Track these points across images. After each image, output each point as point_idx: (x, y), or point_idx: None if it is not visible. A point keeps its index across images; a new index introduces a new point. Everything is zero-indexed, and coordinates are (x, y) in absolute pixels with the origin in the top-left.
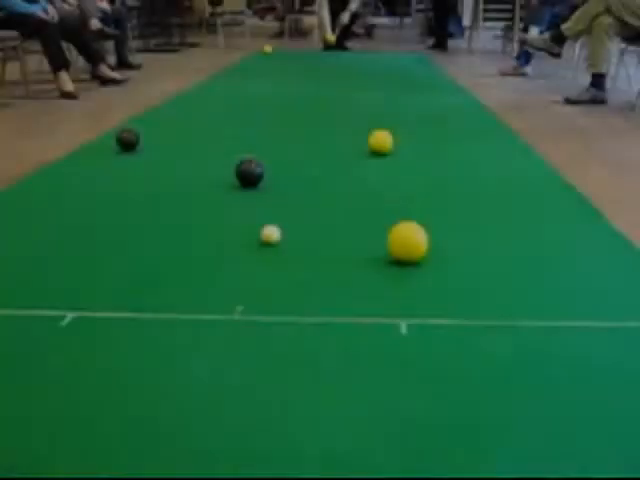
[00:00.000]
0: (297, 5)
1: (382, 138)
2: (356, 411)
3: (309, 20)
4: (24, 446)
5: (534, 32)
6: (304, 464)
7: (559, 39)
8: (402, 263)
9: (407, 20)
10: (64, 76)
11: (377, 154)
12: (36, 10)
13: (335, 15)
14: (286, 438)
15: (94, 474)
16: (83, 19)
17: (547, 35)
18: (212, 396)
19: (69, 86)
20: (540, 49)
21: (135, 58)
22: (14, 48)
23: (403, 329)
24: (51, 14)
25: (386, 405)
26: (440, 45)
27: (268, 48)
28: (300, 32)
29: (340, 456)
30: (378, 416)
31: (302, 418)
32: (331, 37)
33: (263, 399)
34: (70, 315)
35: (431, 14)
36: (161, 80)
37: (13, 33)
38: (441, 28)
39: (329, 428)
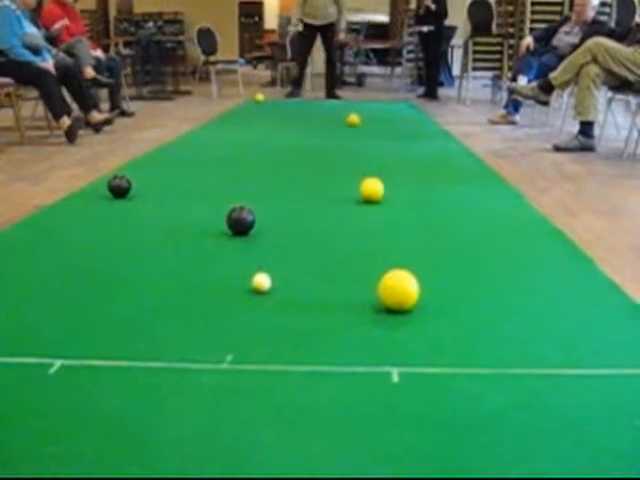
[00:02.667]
0: (289, 54)
1: (373, 185)
2: (347, 460)
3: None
4: None
5: (523, 81)
6: None
7: (547, 88)
8: (393, 311)
9: (398, 69)
10: (65, 119)
11: (368, 201)
12: (37, 60)
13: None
14: None
15: None
16: (78, 66)
17: (535, 84)
18: (201, 446)
19: (68, 123)
20: (528, 97)
21: (129, 106)
22: (8, 95)
23: (395, 377)
24: (50, 65)
25: (377, 453)
26: (430, 94)
27: (260, 96)
28: (292, 81)
29: None
30: (369, 464)
31: (292, 467)
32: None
33: (252, 449)
34: (58, 362)
35: (421, 63)
36: (154, 127)
37: (7, 80)
38: (431, 77)
39: (318, 476)
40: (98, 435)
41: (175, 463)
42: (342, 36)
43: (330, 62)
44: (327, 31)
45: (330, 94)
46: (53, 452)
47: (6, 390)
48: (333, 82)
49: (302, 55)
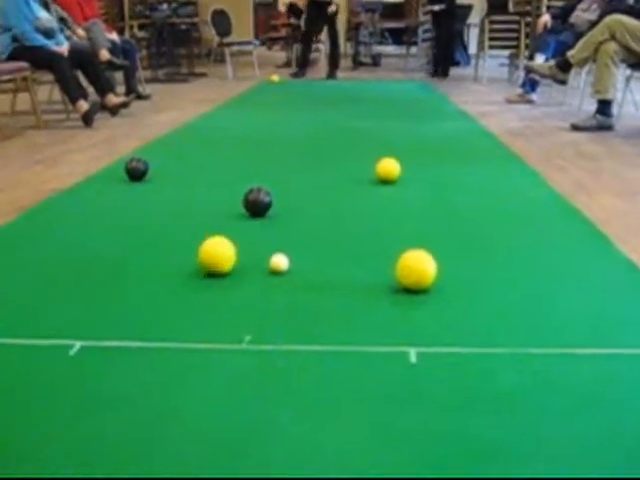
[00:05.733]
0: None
1: (389, 166)
2: (365, 440)
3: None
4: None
5: (540, 60)
6: None
7: (565, 66)
8: (411, 291)
9: (413, 49)
10: (82, 103)
11: (385, 182)
12: (50, 44)
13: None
14: (294, 467)
15: None
16: (93, 50)
17: (553, 62)
18: (219, 426)
19: (86, 106)
20: (546, 76)
21: (144, 88)
22: (24, 79)
23: (412, 357)
24: (64, 49)
25: (395, 432)
26: (441, 72)
27: (275, 77)
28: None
29: None
30: (386, 444)
31: (310, 447)
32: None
33: (270, 429)
34: (78, 344)
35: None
36: (170, 110)
37: (23, 64)
38: (442, 56)
39: (336, 457)
40: (119, 415)
41: (193, 443)
42: (333, 8)
43: (332, 41)
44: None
45: (330, 74)
46: (77, 433)
47: (28, 371)
48: (334, 62)
49: (307, 35)
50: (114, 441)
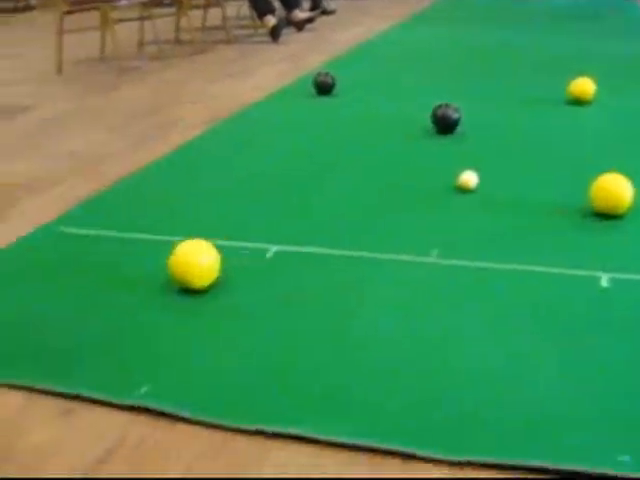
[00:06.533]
0: None
1: (584, 85)
2: (546, 363)
3: None
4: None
5: None
6: (502, 420)
7: None
8: (605, 216)
9: None
10: (270, 18)
11: (578, 102)
12: None
13: None
14: (467, 384)
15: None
16: None
17: None
18: (400, 337)
19: (274, 21)
20: None
21: (329, 4)
22: None
23: (604, 282)
24: None
25: (580, 356)
26: None
27: None
28: None
29: (533, 411)
30: (573, 369)
31: (491, 363)
32: None
33: (453, 342)
34: (274, 248)
35: None
36: (355, 25)
37: None
38: None
39: (514, 375)
40: (305, 317)
41: (370, 351)
42: None
43: None
44: None
45: None
46: (269, 324)
47: (228, 269)
48: None
49: None
50: (301, 338)
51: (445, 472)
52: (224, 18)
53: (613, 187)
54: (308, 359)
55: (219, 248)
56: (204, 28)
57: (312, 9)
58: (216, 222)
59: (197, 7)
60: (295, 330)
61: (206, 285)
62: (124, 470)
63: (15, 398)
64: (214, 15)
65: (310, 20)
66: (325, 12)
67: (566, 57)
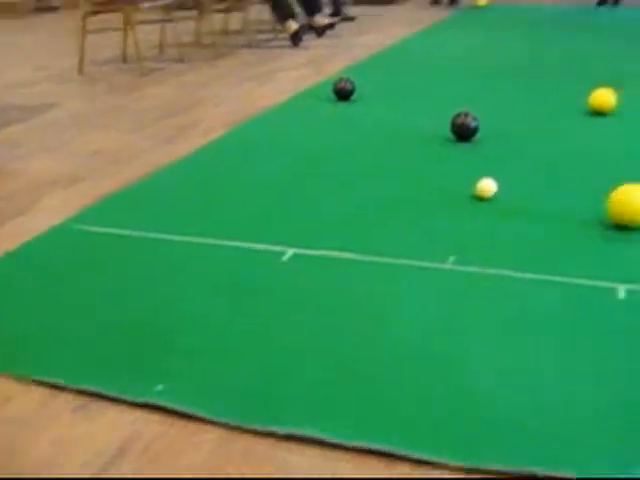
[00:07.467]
0: None
1: (604, 97)
2: (562, 368)
3: None
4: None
5: None
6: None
7: None
8: (623, 227)
9: None
10: (291, 23)
11: (598, 113)
12: None
13: None
14: (487, 387)
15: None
16: None
17: None
18: (413, 342)
19: (295, 26)
20: None
21: (350, 10)
22: None
23: (621, 293)
24: None
25: (598, 367)
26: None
27: (482, 1)
28: None
29: (550, 421)
30: (586, 378)
31: (504, 365)
32: None
33: (463, 349)
34: (291, 251)
35: None
36: (374, 32)
37: None
38: None
39: (532, 382)
40: (322, 321)
41: (386, 357)
42: None
43: None
44: None
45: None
46: (284, 325)
47: (246, 271)
48: None
49: None
50: (316, 345)
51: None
52: (245, 22)
53: (631, 199)
54: (324, 363)
55: (235, 249)
56: (225, 32)
57: (333, 15)
58: (232, 223)
59: (218, 11)
60: (309, 332)
61: None
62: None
63: (36, 393)
64: (235, 19)
65: (331, 26)
66: (346, 18)
67: (589, 67)
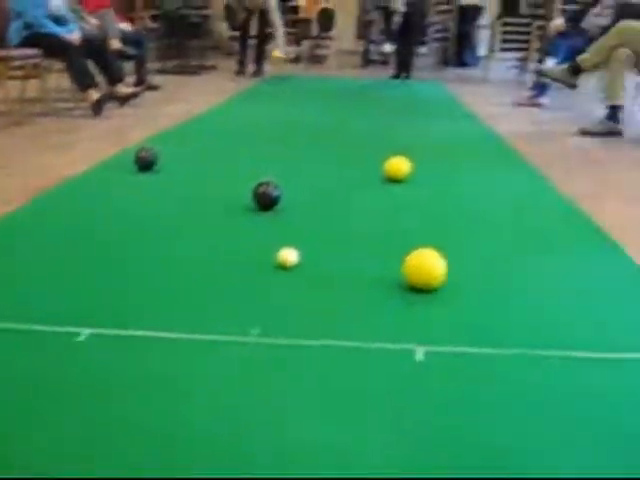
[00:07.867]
0: (315, 31)
1: (398, 164)
2: (369, 435)
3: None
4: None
5: (550, 64)
6: None
7: (575, 70)
8: (419, 290)
9: (423, 49)
10: (92, 92)
11: (393, 180)
12: (62, 32)
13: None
14: (298, 462)
15: None
16: (104, 39)
17: (564, 66)
18: (226, 418)
19: (96, 96)
20: (557, 80)
21: (154, 79)
22: (35, 66)
23: (419, 355)
24: (75, 37)
25: (399, 430)
26: (404, 74)
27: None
28: (317, 58)
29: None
30: (390, 441)
31: (315, 441)
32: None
33: (277, 422)
34: (86, 331)
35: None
36: (180, 101)
37: (35, 51)
38: (407, 55)
39: (339, 450)
40: (125, 403)
41: (202, 432)
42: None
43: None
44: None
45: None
46: (84, 415)
47: (34, 358)
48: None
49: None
50: (121, 429)
51: None
52: (43, 90)
53: (424, 263)
54: (132, 449)
55: (29, 333)
56: (22, 100)
57: (137, 84)
58: (21, 303)
59: (14, 78)
60: (110, 424)
61: None
62: None
63: None
64: (32, 86)
65: (134, 95)
66: (150, 87)
67: (385, 137)
